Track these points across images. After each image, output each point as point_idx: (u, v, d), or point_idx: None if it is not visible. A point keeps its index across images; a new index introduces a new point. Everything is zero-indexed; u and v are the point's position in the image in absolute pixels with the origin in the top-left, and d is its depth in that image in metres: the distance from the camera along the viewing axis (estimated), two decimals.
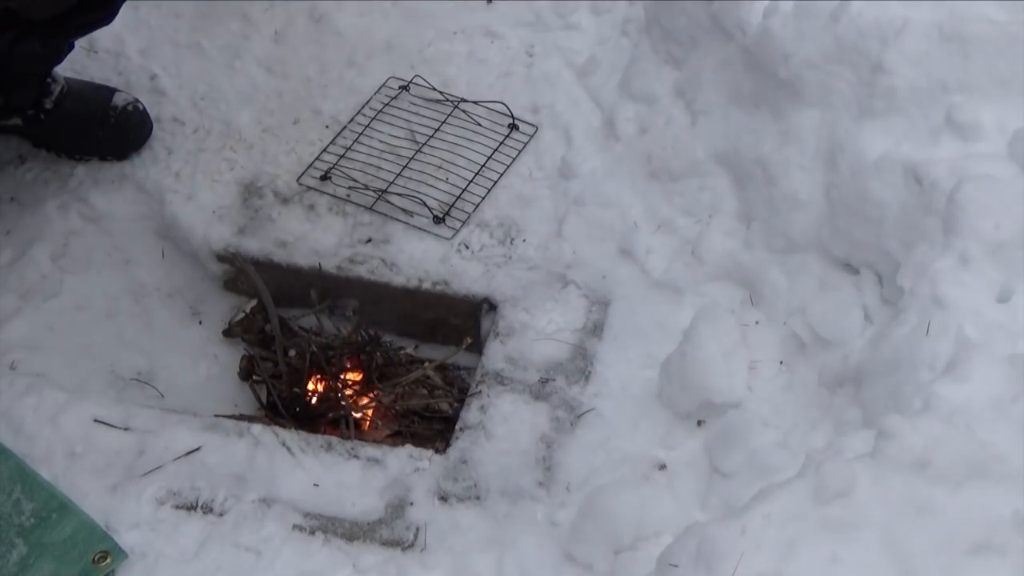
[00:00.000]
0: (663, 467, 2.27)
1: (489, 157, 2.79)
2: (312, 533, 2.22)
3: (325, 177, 2.76)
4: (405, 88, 2.92)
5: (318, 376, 2.56)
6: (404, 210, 2.70)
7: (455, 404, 2.53)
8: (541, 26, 3.02)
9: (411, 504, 2.26)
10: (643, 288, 2.55)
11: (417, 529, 2.23)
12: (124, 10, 2.63)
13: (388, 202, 2.71)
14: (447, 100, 2.90)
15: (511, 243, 2.65)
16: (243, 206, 2.71)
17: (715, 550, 1.79)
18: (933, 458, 1.80)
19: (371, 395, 2.54)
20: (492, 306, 2.57)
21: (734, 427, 2.26)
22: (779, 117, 2.50)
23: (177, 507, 2.25)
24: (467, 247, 2.65)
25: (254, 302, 2.62)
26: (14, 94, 2.69)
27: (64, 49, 2.68)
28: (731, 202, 2.58)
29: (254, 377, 2.57)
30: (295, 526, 2.22)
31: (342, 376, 2.55)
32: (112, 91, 2.83)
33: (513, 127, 2.84)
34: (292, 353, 2.56)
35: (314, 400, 2.53)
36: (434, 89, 2.91)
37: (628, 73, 2.83)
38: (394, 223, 2.69)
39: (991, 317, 2.04)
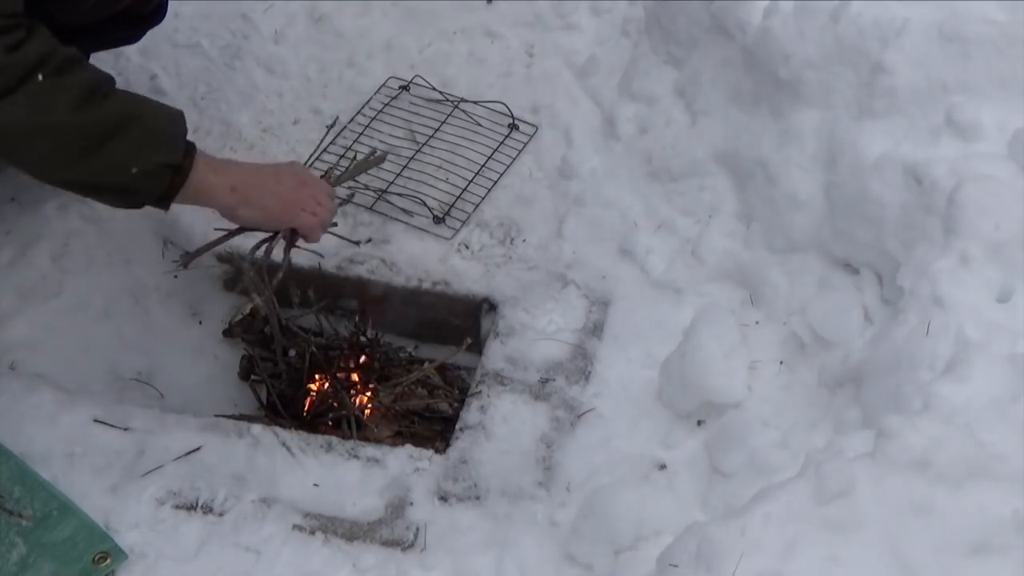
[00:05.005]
0: (663, 467, 2.27)
1: (489, 157, 2.79)
2: (312, 533, 2.22)
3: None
4: (405, 88, 2.92)
5: (318, 376, 2.56)
6: (404, 210, 2.70)
7: (455, 404, 2.53)
8: (541, 26, 3.02)
9: (411, 504, 2.26)
10: (643, 288, 2.55)
11: (417, 529, 2.22)
12: None
13: (388, 202, 2.71)
14: (447, 100, 2.90)
15: (511, 243, 2.65)
16: None
17: (715, 550, 1.79)
18: (933, 458, 1.80)
19: (371, 395, 2.54)
20: (492, 306, 2.57)
21: (734, 427, 2.26)
22: (779, 117, 2.49)
23: (177, 507, 2.24)
24: (467, 247, 2.65)
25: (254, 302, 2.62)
26: None
27: None
28: (731, 202, 2.58)
29: (254, 377, 2.57)
30: (295, 526, 2.22)
31: (342, 376, 2.55)
32: None
33: (513, 127, 2.84)
34: (292, 353, 2.56)
35: (314, 400, 2.53)
36: (434, 89, 2.91)
37: (628, 73, 2.83)
38: (394, 223, 2.69)
39: (991, 317, 2.04)
